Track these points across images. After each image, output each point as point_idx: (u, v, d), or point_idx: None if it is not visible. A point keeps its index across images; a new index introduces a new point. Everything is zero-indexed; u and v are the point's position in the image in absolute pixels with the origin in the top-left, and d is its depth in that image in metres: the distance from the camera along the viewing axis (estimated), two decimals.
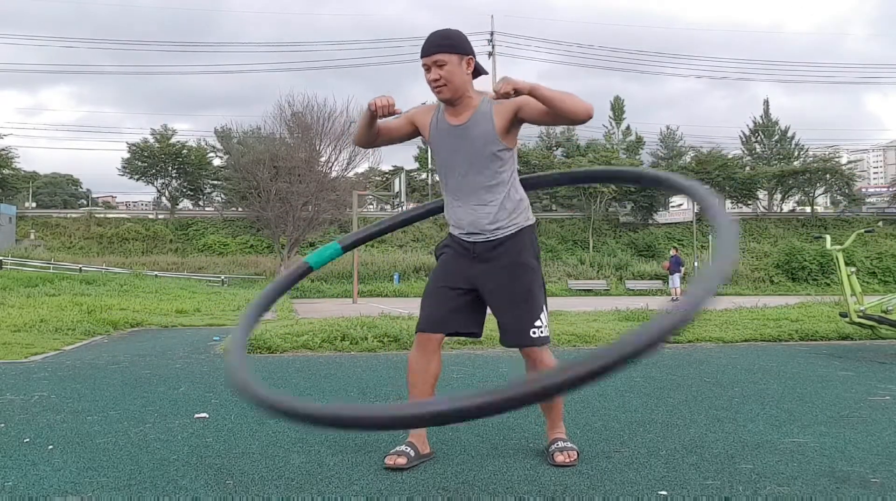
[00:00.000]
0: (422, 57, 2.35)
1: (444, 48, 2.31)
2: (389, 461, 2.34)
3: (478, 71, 2.41)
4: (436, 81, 2.32)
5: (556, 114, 2.24)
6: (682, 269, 21.29)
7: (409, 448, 2.39)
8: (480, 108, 2.38)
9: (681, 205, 41.02)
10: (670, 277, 21.38)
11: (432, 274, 2.56)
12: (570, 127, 45.81)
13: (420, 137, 2.57)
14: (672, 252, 22.94)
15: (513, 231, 2.44)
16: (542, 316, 2.43)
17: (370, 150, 32.30)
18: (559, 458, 2.38)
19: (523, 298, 2.43)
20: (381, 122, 2.42)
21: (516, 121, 2.37)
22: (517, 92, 2.17)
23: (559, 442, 2.45)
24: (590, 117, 2.26)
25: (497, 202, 2.41)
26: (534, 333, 2.41)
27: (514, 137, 2.43)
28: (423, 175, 42.35)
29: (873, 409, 3.35)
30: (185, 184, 41.74)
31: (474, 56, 2.37)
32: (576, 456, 2.40)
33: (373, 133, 2.43)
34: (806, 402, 3.52)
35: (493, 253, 2.43)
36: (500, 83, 2.17)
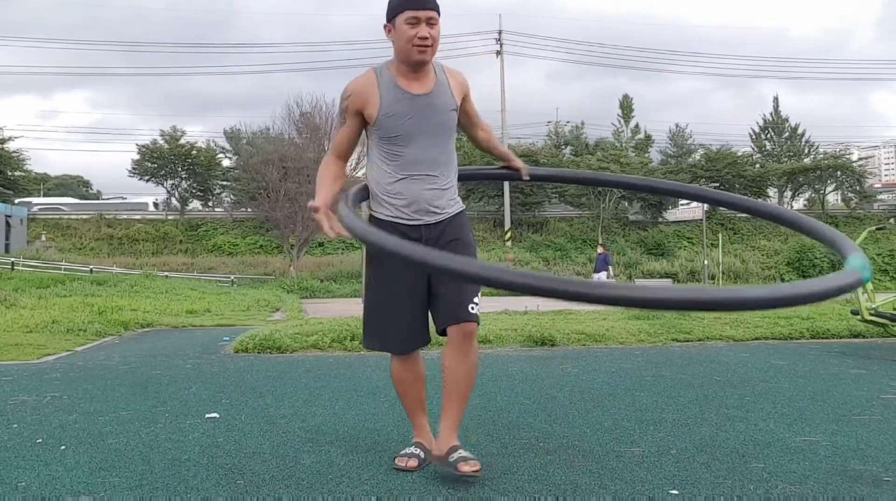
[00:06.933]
0: (410, 9, 2.16)
1: (437, 8, 2.20)
2: (400, 462, 2.34)
3: None
4: (424, 39, 2.17)
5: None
6: (610, 268, 21.30)
7: (419, 450, 2.38)
8: (439, 77, 2.30)
9: (689, 203, 40.75)
10: (595, 274, 21.31)
11: (379, 281, 2.33)
12: (579, 125, 45.98)
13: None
14: (600, 250, 22.90)
15: (455, 211, 2.36)
16: (478, 294, 2.30)
17: None
18: (464, 468, 2.17)
19: None
20: (337, 154, 2.33)
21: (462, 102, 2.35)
22: None
23: (461, 451, 2.23)
24: None
25: (448, 179, 2.32)
26: (472, 308, 2.26)
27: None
28: None
29: (885, 407, 3.32)
30: (195, 185, 41.86)
31: None
32: (478, 467, 2.19)
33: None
34: (817, 400, 3.50)
35: (440, 235, 2.30)
36: None
